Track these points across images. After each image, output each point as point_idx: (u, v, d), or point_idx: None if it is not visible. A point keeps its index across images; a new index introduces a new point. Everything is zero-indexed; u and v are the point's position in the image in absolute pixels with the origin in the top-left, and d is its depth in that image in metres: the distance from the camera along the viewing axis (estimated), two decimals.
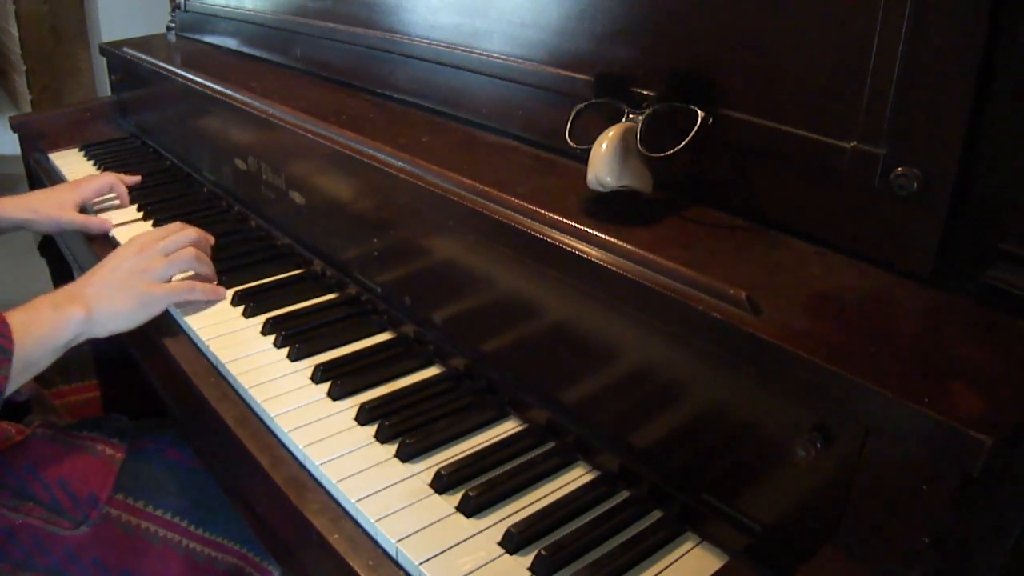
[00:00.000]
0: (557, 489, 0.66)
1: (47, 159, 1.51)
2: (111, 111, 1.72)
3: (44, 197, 1.18)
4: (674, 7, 0.69)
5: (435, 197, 0.75)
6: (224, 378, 0.82)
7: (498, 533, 0.61)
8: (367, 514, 0.62)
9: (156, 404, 1.00)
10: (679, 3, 0.68)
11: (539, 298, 0.70)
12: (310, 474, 0.69)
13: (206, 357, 0.86)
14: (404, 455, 0.69)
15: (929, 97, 0.53)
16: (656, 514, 0.63)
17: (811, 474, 0.52)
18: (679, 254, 0.59)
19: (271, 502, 0.71)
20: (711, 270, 0.56)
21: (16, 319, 0.76)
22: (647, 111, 0.67)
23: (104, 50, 1.64)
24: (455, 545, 0.60)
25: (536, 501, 0.65)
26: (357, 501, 0.64)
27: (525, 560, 0.59)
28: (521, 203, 0.67)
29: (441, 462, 0.68)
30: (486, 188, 0.71)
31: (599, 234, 0.62)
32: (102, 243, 1.17)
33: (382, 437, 0.71)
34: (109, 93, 1.76)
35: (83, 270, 1.30)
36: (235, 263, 1.04)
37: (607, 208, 0.67)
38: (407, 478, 0.67)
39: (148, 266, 0.88)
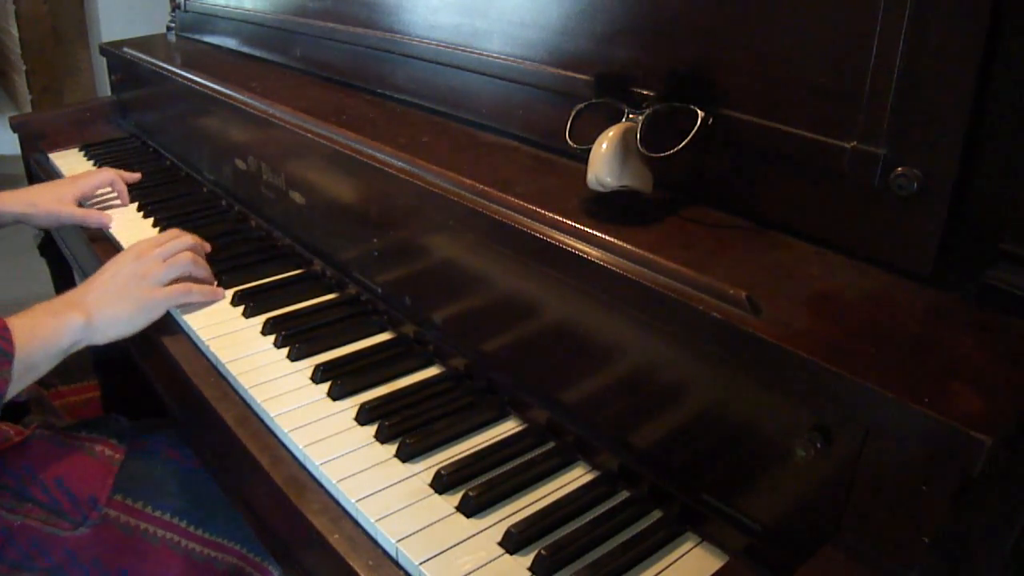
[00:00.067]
0: (557, 489, 0.66)
1: (47, 159, 1.51)
2: (111, 111, 1.72)
3: (43, 191, 1.18)
4: (674, 7, 0.69)
5: (435, 197, 0.75)
6: (224, 378, 0.82)
7: (498, 533, 0.61)
8: (367, 514, 0.62)
9: (156, 404, 1.00)
10: (679, 3, 0.68)
11: (539, 298, 0.70)
12: (310, 474, 0.69)
13: (206, 357, 0.86)
14: (404, 455, 0.69)
15: (929, 97, 0.53)
16: (656, 514, 0.63)
17: (811, 474, 0.52)
18: (679, 254, 0.59)
19: (271, 502, 0.71)
20: (711, 270, 0.56)
21: (16, 324, 0.76)
22: (647, 111, 0.66)
23: (104, 50, 1.64)
24: (455, 545, 0.60)
25: (536, 501, 0.65)
26: (357, 501, 0.63)
27: (525, 560, 0.59)
28: (521, 203, 0.67)
29: (441, 462, 0.68)
30: (486, 188, 0.71)
31: (599, 234, 0.62)
32: (102, 243, 1.17)
33: (382, 437, 0.71)
34: (109, 93, 1.76)
35: (83, 270, 1.30)
36: (235, 263, 1.04)
37: (607, 208, 0.67)
38: (407, 478, 0.67)
39: (146, 271, 0.89)
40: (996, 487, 0.48)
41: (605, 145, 0.64)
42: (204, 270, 0.97)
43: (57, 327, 0.79)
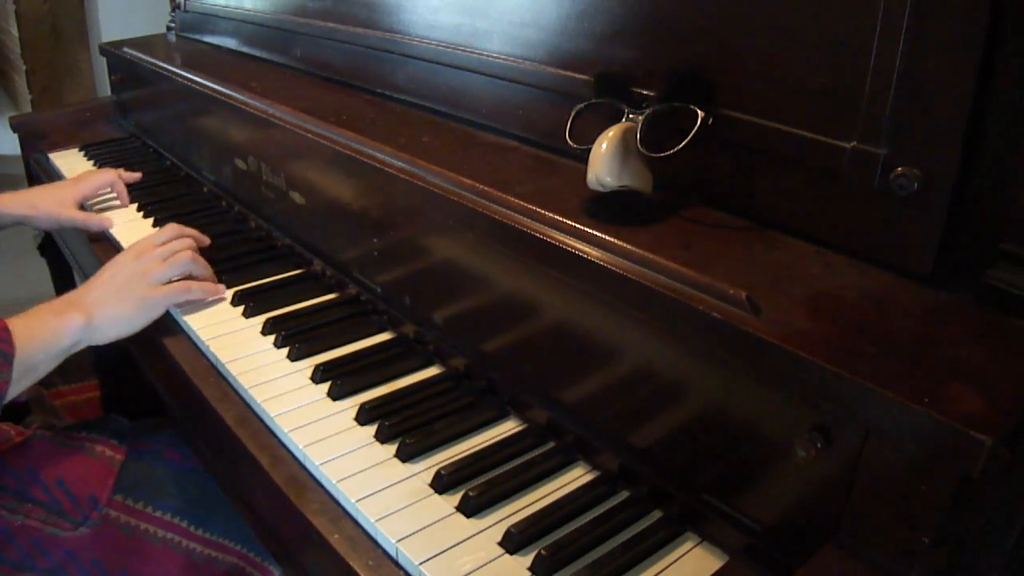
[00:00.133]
0: (557, 489, 0.66)
1: (47, 159, 1.51)
2: (111, 111, 1.72)
3: (44, 193, 1.18)
4: (674, 7, 0.69)
5: (435, 197, 0.75)
6: (224, 378, 0.82)
7: (498, 533, 0.61)
8: (367, 514, 0.62)
9: (156, 404, 1.00)
10: (679, 3, 0.68)
11: (539, 298, 0.70)
12: (310, 474, 0.69)
13: (206, 357, 0.86)
14: (404, 455, 0.69)
15: (929, 97, 0.53)
16: (656, 514, 0.63)
17: (811, 474, 0.52)
18: (679, 254, 0.59)
19: (271, 502, 0.71)
20: (711, 270, 0.56)
21: (16, 324, 0.76)
22: (647, 111, 0.66)
23: (104, 50, 1.64)
24: (455, 545, 0.60)
25: (536, 501, 0.65)
26: (357, 501, 0.64)
27: (525, 560, 0.59)
28: (521, 203, 0.67)
29: (441, 462, 0.68)
30: (486, 188, 0.71)
31: (599, 234, 0.62)
32: (102, 243, 1.17)
33: (382, 437, 0.71)
34: (109, 93, 1.76)
35: (83, 270, 1.30)
36: (235, 263, 1.04)
37: (607, 208, 0.67)
38: (407, 478, 0.67)
39: (146, 271, 0.89)
40: (996, 487, 0.48)
41: (605, 145, 0.64)
42: (204, 268, 0.97)
43: (57, 328, 0.79)
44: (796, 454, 0.51)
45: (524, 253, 0.68)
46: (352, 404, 0.76)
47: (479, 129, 0.90)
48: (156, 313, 0.89)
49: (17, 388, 0.76)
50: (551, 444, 0.71)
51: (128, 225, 1.18)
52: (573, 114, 0.73)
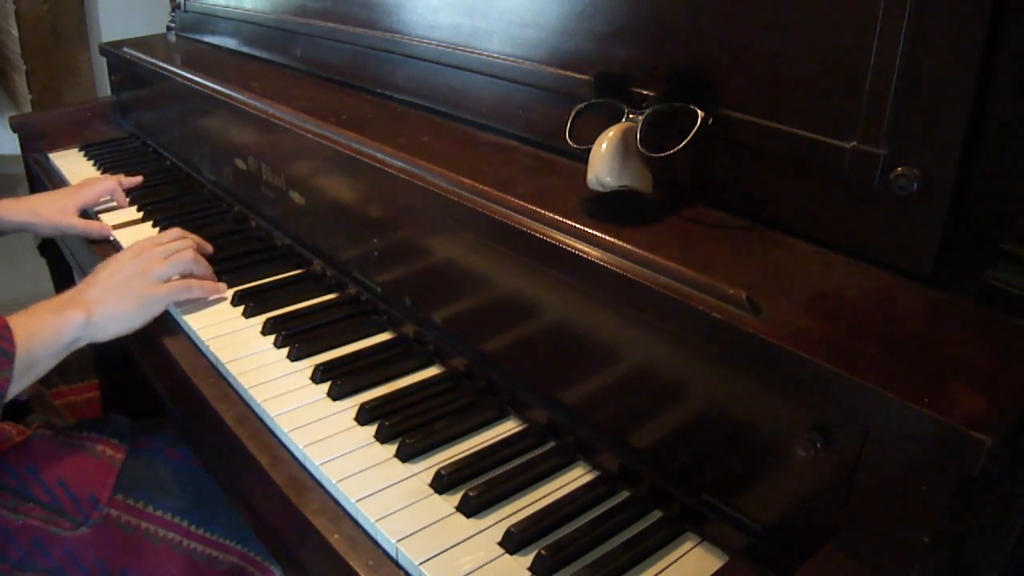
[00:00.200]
0: (557, 489, 0.66)
1: (47, 159, 1.51)
2: (111, 111, 1.72)
3: (46, 201, 1.18)
4: (674, 7, 0.69)
5: (435, 197, 0.75)
6: (224, 378, 0.82)
7: (498, 533, 0.61)
8: (367, 514, 0.62)
9: (156, 404, 1.00)
10: (679, 3, 0.68)
11: (539, 298, 0.70)
12: (310, 474, 0.69)
13: (206, 357, 0.86)
14: (404, 455, 0.69)
15: (929, 97, 0.53)
16: (656, 514, 0.63)
17: (811, 474, 0.52)
18: (679, 254, 0.59)
19: (271, 502, 0.71)
20: (711, 270, 0.56)
21: (17, 322, 0.76)
22: (647, 111, 0.66)
23: (104, 50, 1.64)
24: (455, 545, 0.60)
25: (536, 501, 0.65)
26: (357, 501, 0.64)
27: (525, 560, 0.59)
28: (521, 203, 0.67)
29: (441, 462, 0.68)
30: (486, 188, 0.71)
31: (599, 234, 0.62)
32: (102, 244, 1.17)
33: (382, 437, 0.71)
34: (109, 93, 1.76)
35: (83, 271, 1.30)
36: (235, 263, 1.04)
37: (607, 208, 0.67)
38: (407, 478, 0.67)
39: (147, 268, 0.89)
40: (996, 487, 0.48)
41: (605, 145, 0.64)
42: (205, 268, 0.97)
43: (58, 325, 0.79)
44: (796, 454, 0.51)
45: (524, 253, 0.68)
46: (352, 404, 0.76)
47: (479, 129, 0.90)
48: (156, 311, 0.89)
49: (18, 386, 0.76)
50: (551, 444, 0.71)
51: (128, 226, 1.18)
52: (573, 114, 0.73)
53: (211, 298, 0.95)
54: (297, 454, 0.70)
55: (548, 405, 0.72)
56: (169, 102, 1.41)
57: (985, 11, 0.50)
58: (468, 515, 0.63)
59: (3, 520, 0.81)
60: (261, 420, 0.76)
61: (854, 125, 0.57)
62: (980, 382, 0.46)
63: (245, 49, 1.43)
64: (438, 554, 0.59)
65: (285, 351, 0.84)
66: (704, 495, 0.59)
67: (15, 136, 1.65)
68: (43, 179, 1.48)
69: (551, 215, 0.65)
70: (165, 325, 0.91)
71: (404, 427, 0.72)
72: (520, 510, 0.63)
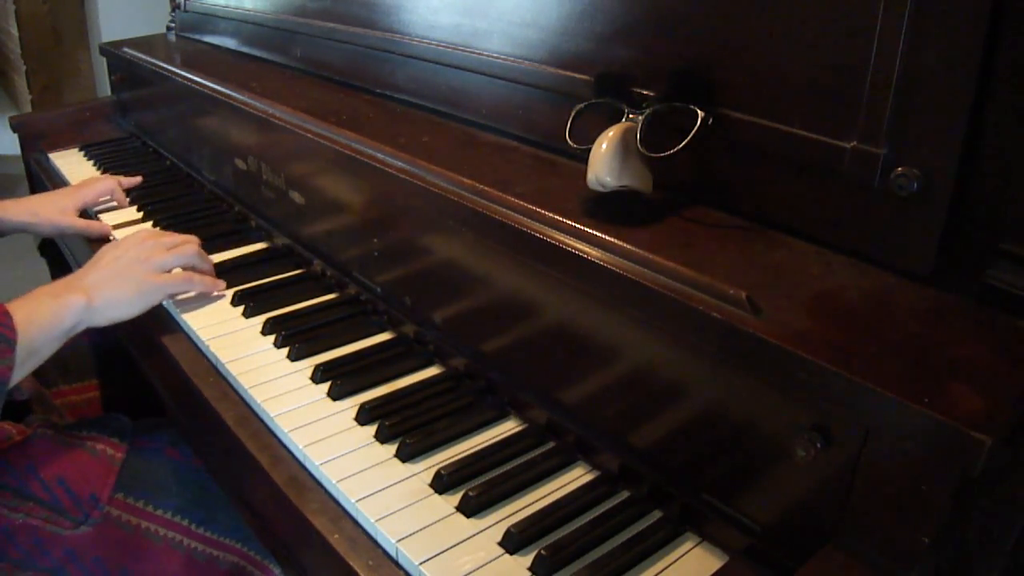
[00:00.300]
0: (557, 489, 0.66)
1: (47, 159, 1.51)
2: (111, 111, 1.72)
3: (45, 201, 1.18)
4: (674, 7, 0.69)
5: (435, 197, 0.75)
6: (224, 378, 0.82)
7: (498, 533, 0.61)
8: (367, 514, 0.62)
9: (156, 404, 1.00)
10: (679, 3, 0.68)
11: (539, 298, 0.70)
12: (310, 474, 0.69)
13: (206, 357, 0.86)
14: (404, 455, 0.69)
15: (929, 97, 0.53)
16: (656, 514, 0.63)
17: (811, 474, 0.52)
18: (679, 254, 0.59)
19: (271, 502, 0.71)
20: (711, 270, 0.56)
21: (17, 309, 0.76)
22: (647, 111, 0.67)
23: (104, 50, 1.64)
24: (455, 545, 0.60)
25: (536, 501, 0.65)
26: (357, 501, 0.64)
27: (525, 560, 0.59)
28: (521, 203, 0.67)
29: (441, 462, 0.68)
30: (486, 188, 0.71)
31: (599, 234, 0.62)
32: (102, 243, 1.16)
33: (382, 437, 0.71)
34: (109, 93, 1.76)
35: None
36: (235, 263, 1.04)
37: (607, 208, 0.67)
38: (407, 478, 0.67)
39: (149, 256, 0.90)
40: (996, 487, 0.48)
41: (605, 145, 0.64)
42: (207, 263, 0.97)
43: (58, 309, 0.80)
44: (796, 454, 0.51)
45: (524, 253, 0.68)
46: (352, 404, 0.76)
47: (479, 129, 0.90)
48: (155, 299, 0.89)
49: (20, 373, 0.76)
50: (551, 444, 0.71)
51: (127, 227, 1.18)
52: (573, 114, 0.73)
53: (211, 295, 0.95)
54: (297, 454, 0.70)
55: (548, 405, 0.72)
56: (169, 102, 1.41)
57: (985, 11, 0.50)
58: (468, 515, 0.63)
59: (3, 519, 0.81)
60: (261, 420, 0.76)
61: (854, 125, 0.57)
62: (980, 382, 0.46)
63: (245, 49, 1.43)
64: (438, 554, 0.59)
65: (285, 351, 0.84)
66: (704, 495, 0.59)
67: (15, 136, 1.65)
68: (43, 179, 1.48)
69: (551, 215, 0.65)
70: (165, 325, 0.91)
71: (404, 427, 0.72)
72: (520, 510, 0.63)
